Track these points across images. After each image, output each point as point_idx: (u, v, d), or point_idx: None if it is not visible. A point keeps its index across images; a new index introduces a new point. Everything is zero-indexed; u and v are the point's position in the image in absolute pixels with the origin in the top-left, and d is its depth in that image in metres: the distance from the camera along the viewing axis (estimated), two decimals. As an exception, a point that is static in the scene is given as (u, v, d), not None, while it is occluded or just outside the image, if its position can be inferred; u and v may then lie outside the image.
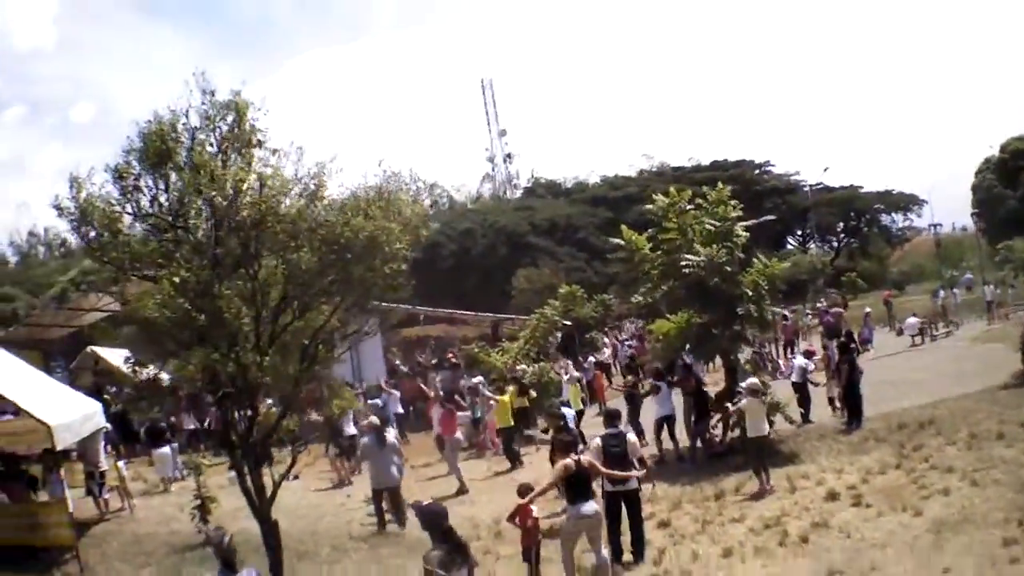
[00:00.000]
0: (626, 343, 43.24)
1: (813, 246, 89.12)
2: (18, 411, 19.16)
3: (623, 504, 14.11)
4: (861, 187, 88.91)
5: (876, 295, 61.20)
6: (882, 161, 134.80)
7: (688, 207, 21.95)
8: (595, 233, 74.80)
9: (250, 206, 12.07)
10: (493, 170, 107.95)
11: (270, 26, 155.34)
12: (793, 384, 23.81)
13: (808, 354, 26.21)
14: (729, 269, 20.98)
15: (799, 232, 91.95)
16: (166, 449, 24.58)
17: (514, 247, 74.53)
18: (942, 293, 49.89)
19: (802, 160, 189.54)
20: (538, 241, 76.86)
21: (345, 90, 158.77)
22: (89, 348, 35.68)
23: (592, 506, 12.72)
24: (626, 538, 14.26)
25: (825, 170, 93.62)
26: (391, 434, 19.19)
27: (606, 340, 45.47)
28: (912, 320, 39.82)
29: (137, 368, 13.24)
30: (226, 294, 11.88)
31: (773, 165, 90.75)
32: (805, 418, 22.71)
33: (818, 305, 52.61)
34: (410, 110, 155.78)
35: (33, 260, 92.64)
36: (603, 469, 13.24)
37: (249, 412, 13.01)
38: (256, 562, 12.59)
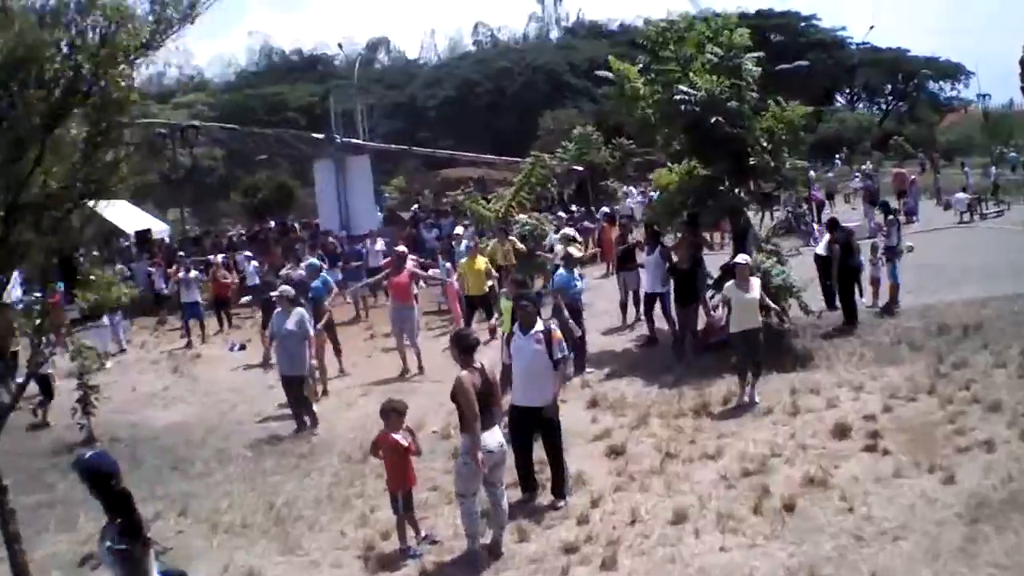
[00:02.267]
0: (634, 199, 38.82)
1: (861, 106, 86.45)
2: None
3: (535, 425, 10.06)
4: (908, 51, 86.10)
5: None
6: (928, 27, 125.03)
7: (689, 32, 17.25)
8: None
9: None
10: (542, 10, 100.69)
11: None
12: (817, 257, 18.95)
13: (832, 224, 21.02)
14: (733, 106, 16.37)
15: (847, 90, 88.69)
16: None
17: (553, 87, 71.88)
18: (994, 169, 44.70)
19: (847, 16, 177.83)
20: (576, 82, 73.68)
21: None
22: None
23: (497, 437, 8.94)
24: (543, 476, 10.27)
25: (871, 28, 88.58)
26: (297, 315, 14.61)
27: (626, 189, 41.11)
28: (961, 195, 35.36)
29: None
30: None
31: (820, 19, 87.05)
32: (830, 304, 18.17)
33: (862, 168, 47.37)
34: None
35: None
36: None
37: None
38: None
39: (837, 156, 64.33)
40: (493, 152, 47.42)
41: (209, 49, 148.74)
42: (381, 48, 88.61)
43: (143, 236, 37.54)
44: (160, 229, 42.39)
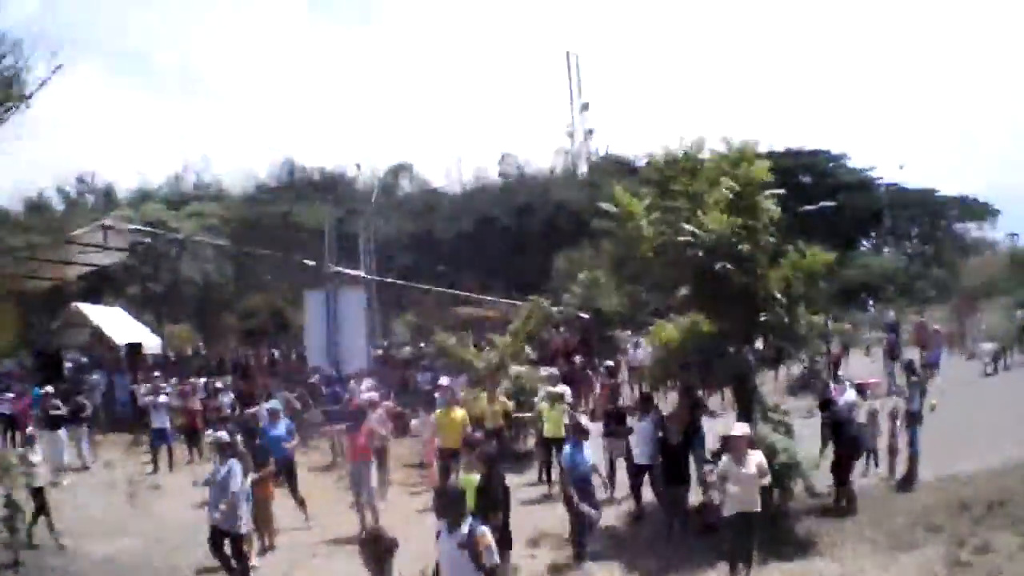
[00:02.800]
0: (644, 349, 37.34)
1: (887, 250, 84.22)
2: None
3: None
4: (937, 190, 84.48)
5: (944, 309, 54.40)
6: (959, 164, 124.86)
7: (702, 163, 15.97)
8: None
9: None
10: (572, 145, 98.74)
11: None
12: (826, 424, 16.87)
13: (861, 388, 19.37)
14: (745, 251, 14.85)
15: (873, 233, 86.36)
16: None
17: (575, 225, 70.87)
18: (1020, 313, 43.33)
19: (878, 154, 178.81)
20: (600, 222, 71.21)
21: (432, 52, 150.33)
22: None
23: None
24: None
25: (901, 167, 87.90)
26: (227, 466, 13.45)
27: (636, 339, 39.71)
28: (988, 345, 34.09)
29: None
30: None
31: (850, 158, 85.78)
32: (841, 480, 16.04)
33: (884, 318, 45.67)
34: (491, 78, 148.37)
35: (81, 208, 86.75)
36: None
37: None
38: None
39: (869, 302, 63.44)
40: (515, 291, 46.05)
41: (230, 158, 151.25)
42: (404, 174, 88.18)
43: (134, 348, 36.56)
44: (154, 343, 41.48)
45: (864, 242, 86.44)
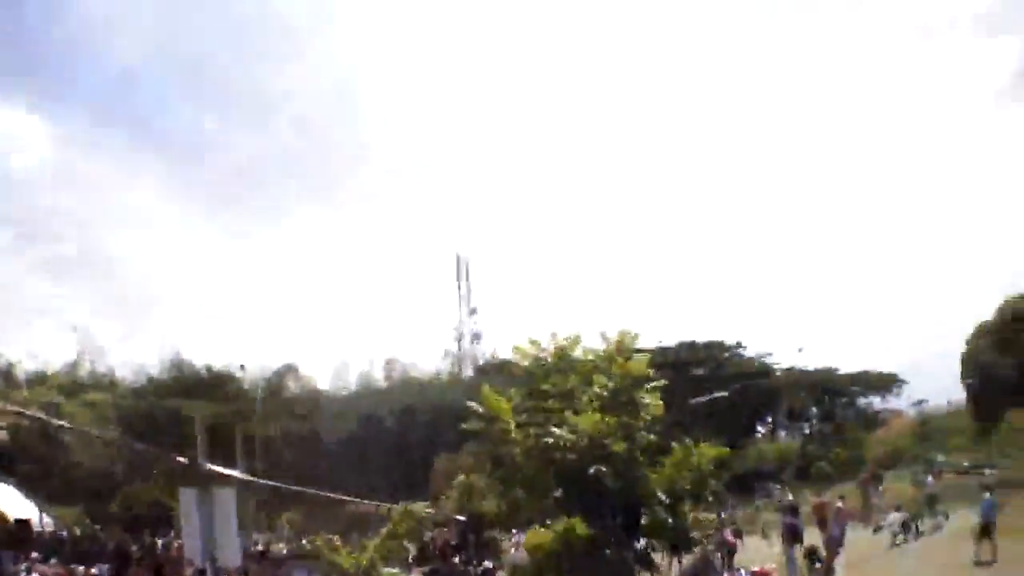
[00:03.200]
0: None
1: (783, 433, 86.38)
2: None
3: None
4: (837, 369, 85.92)
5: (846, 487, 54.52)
6: (860, 341, 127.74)
7: (573, 360, 15.59)
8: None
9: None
10: (460, 349, 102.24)
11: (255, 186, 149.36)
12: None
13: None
14: (621, 450, 14.33)
15: (769, 419, 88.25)
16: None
17: (455, 428, 70.31)
18: (930, 479, 43.55)
19: (775, 340, 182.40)
20: (471, 423, 72.20)
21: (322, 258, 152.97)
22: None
23: None
24: None
25: (800, 351, 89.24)
26: None
27: (517, 539, 38.89)
28: (895, 515, 34.44)
29: None
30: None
31: (745, 347, 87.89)
32: None
33: (782, 501, 45.34)
34: (382, 281, 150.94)
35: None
36: None
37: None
38: None
39: (776, 487, 63.64)
40: (400, 491, 47.18)
41: (124, 349, 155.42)
42: (291, 375, 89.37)
43: (23, 525, 35.95)
44: (47, 521, 41.14)
45: (760, 428, 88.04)
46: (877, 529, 35.78)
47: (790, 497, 45.29)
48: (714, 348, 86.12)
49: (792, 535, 29.14)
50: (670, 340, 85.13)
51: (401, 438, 73.01)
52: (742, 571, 19.82)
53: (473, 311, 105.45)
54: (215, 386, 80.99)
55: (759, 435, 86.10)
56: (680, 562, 26.31)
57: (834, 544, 30.20)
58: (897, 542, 32.48)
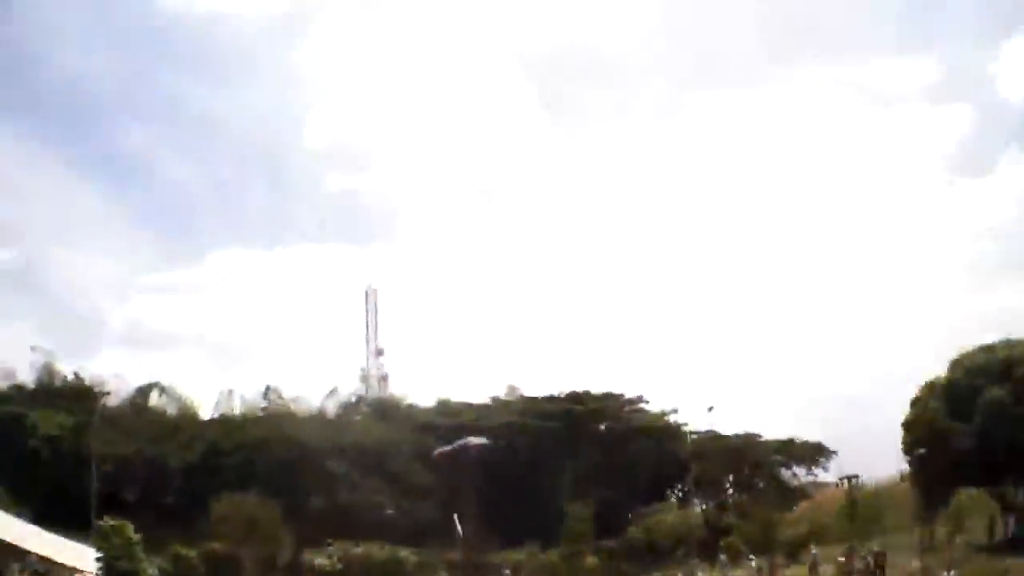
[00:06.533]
0: None
1: (697, 501, 79.40)
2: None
3: None
4: (759, 435, 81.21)
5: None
6: (782, 405, 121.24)
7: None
8: (409, 463, 71.67)
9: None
10: (367, 391, 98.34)
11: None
12: None
13: None
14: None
15: (679, 486, 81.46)
16: None
17: (310, 468, 70.55)
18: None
19: (681, 397, 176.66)
20: (335, 466, 71.98)
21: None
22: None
23: None
24: None
25: (710, 410, 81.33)
26: None
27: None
28: None
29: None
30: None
31: (647, 401, 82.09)
32: None
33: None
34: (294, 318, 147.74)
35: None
36: None
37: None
38: None
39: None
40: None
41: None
42: (156, 391, 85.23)
43: None
44: None
45: (670, 493, 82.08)
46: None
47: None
48: (611, 400, 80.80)
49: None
50: (561, 389, 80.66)
51: (245, 472, 68.29)
52: None
53: (380, 352, 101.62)
54: (80, 399, 76.64)
55: (670, 502, 79.78)
56: None
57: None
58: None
